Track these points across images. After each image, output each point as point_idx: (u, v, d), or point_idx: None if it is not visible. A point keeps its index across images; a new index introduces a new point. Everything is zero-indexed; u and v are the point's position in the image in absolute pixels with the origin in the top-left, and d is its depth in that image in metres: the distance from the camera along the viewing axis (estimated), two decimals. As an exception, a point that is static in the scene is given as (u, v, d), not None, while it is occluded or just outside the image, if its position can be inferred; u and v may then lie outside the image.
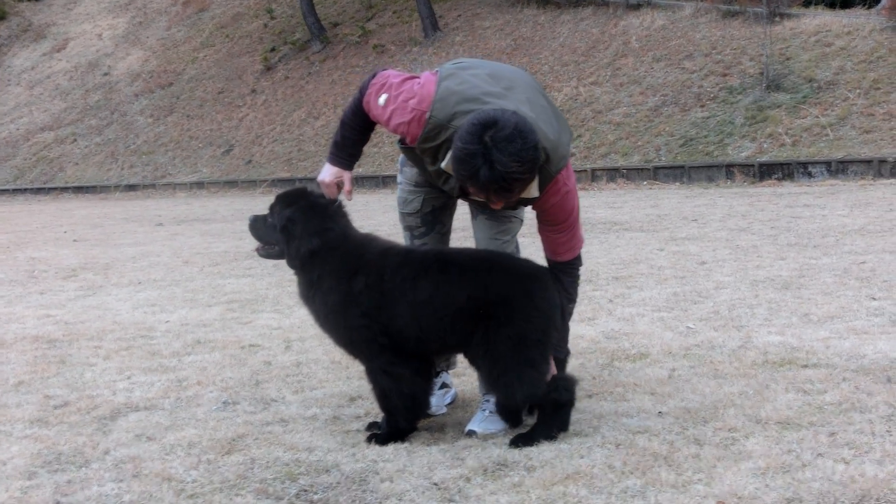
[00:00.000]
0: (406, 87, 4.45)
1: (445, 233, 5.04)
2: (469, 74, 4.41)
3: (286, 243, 4.66)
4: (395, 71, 4.65)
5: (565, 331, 4.72)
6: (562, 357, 4.75)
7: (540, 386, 4.42)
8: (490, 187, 4.11)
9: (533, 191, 4.32)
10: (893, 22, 22.56)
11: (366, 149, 4.88)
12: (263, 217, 4.85)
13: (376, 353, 4.51)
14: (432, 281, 4.45)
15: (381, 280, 4.48)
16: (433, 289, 4.43)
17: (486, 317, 4.39)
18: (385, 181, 25.68)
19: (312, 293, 4.63)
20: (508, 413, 4.67)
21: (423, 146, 4.41)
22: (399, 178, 5.03)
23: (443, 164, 4.38)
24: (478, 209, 4.87)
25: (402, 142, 4.62)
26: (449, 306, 4.41)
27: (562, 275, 4.64)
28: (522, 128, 4.07)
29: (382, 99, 4.50)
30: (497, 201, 4.29)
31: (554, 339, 4.51)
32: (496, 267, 4.50)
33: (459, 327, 4.43)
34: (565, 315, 4.67)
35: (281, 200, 4.77)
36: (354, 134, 4.74)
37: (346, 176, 4.75)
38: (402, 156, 4.93)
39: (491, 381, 4.49)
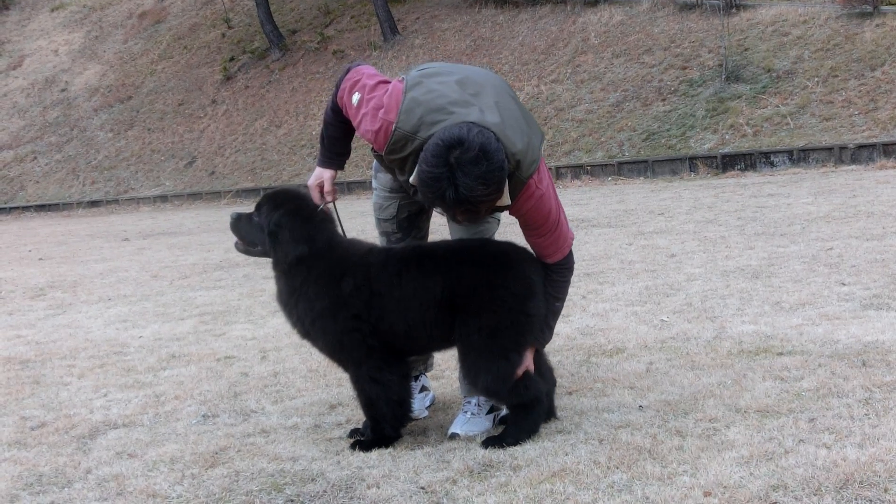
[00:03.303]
0: (378, 94, 4.39)
1: (422, 237, 5.04)
2: (436, 82, 4.35)
3: (273, 248, 4.60)
4: (369, 69, 4.60)
5: (548, 328, 4.69)
6: (542, 349, 4.75)
7: (506, 378, 4.42)
8: (456, 209, 4.13)
9: (504, 199, 4.29)
10: (849, 10, 22.77)
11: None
12: (248, 216, 4.75)
13: (364, 357, 4.50)
14: (413, 275, 4.46)
15: (369, 279, 4.48)
16: (415, 283, 4.44)
17: (461, 307, 4.41)
18: (350, 187, 25.63)
19: (295, 300, 4.59)
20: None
21: (389, 157, 4.39)
22: (374, 184, 5.01)
23: (410, 179, 4.37)
24: None
25: (373, 148, 4.62)
26: (429, 299, 4.42)
27: (552, 274, 4.62)
28: (487, 148, 4.04)
29: (356, 98, 4.46)
30: (463, 219, 4.29)
31: (532, 326, 4.50)
32: (467, 256, 4.51)
33: (441, 319, 4.45)
34: (549, 310, 4.63)
35: (269, 201, 4.69)
36: (337, 131, 4.70)
37: (326, 175, 4.71)
38: (375, 161, 4.92)
39: (463, 370, 4.53)
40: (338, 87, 4.59)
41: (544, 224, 4.50)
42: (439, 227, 5.12)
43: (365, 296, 4.47)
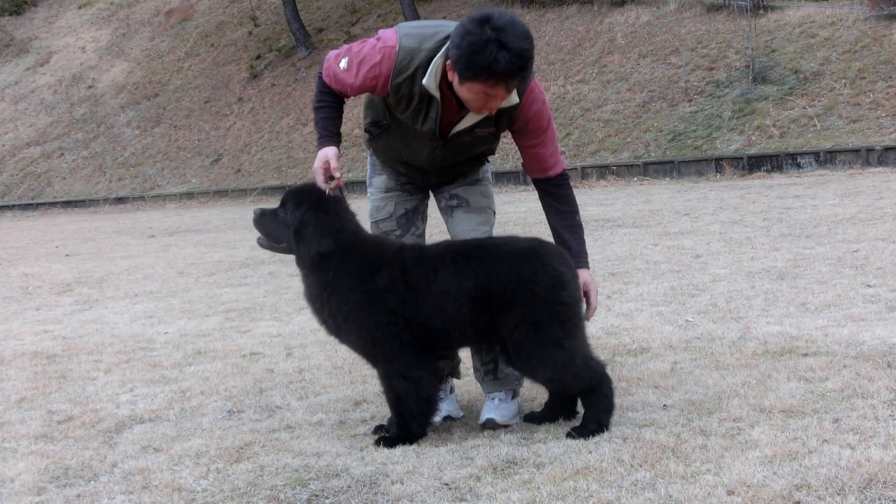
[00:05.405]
0: (368, 43, 4.58)
1: (420, 235, 5.09)
2: (423, 21, 4.69)
3: (297, 245, 4.57)
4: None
5: (582, 251, 4.79)
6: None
7: (565, 365, 4.44)
8: (509, 69, 4.20)
9: (513, 97, 4.46)
10: (877, 11, 22.63)
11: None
12: (273, 211, 4.72)
13: (396, 352, 4.49)
14: (447, 271, 4.48)
15: (405, 273, 4.49)
16: (448, 278, 4.46)
17: (495, 305, 4.44)
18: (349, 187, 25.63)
19: (326, 294, 4.56)
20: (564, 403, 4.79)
21: (396, 81, 4.49)
22: (369, 191, 5.09)
23: (424, 81, 4.45)
24: (451, 206, 4.98)
25: (368, 130, 4.83)
26: (462, 295, 4.44)
27: (558, 189, 4.80)
28: (513, 16, 4.25)
29: (344, 63, 4.59)
30: (502, 93, 4.33)
31: (571, 312, 4.52)
32: (496, 253, 4.53)
33: (474, 316, 4.47)
34: (576, 229, 4.78)
35: (293, 197, 4.66)
36: (329, 111, 4.78)
37: (330, 153, 4.69)
38: (370, 166, 5.04)
39: (517, 367, 4.58)
40: (321, 74, 4.74)
41: (546, 131, 4.69)
42: (439, 233, 5.12)
43: (401, 290, 4.48)
